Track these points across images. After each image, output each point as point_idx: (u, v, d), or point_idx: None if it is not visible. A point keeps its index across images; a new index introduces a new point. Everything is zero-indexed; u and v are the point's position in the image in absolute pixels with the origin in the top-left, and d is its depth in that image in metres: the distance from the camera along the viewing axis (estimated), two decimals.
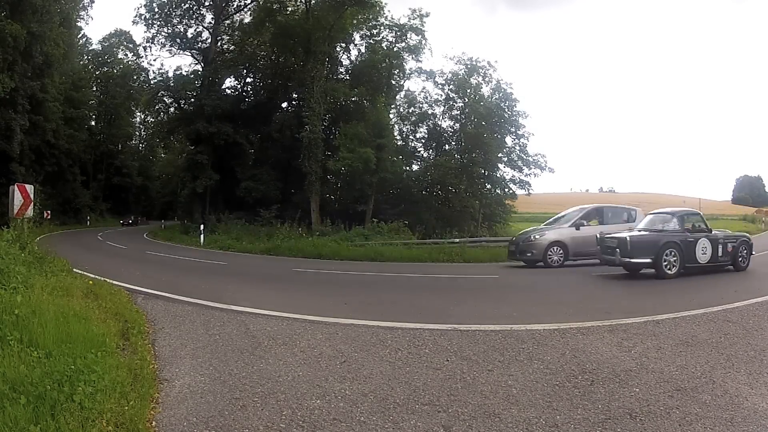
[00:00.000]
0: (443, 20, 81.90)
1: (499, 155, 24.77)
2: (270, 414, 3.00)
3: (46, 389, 2.81)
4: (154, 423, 2.85)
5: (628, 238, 9.20)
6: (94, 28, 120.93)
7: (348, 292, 8.48)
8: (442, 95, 27.32)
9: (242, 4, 33.69)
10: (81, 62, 44.39)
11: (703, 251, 9.38)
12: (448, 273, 11.99)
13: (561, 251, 12.18)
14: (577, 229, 12.41)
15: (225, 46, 35.57)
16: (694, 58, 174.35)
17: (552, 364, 3.98)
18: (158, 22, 33.29)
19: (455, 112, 26.83)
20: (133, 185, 51.14)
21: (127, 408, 2.82)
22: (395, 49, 29.55)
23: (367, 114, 25.57)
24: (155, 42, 33.98)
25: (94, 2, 37.65)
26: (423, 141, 28.78)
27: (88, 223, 39.99)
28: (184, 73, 33.50)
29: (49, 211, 28.70)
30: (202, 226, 23.72)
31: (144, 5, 32.84)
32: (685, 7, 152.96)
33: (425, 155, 28.54)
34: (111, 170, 48.27)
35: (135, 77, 42.21)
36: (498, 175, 25.44)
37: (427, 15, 29.38)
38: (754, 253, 10.41)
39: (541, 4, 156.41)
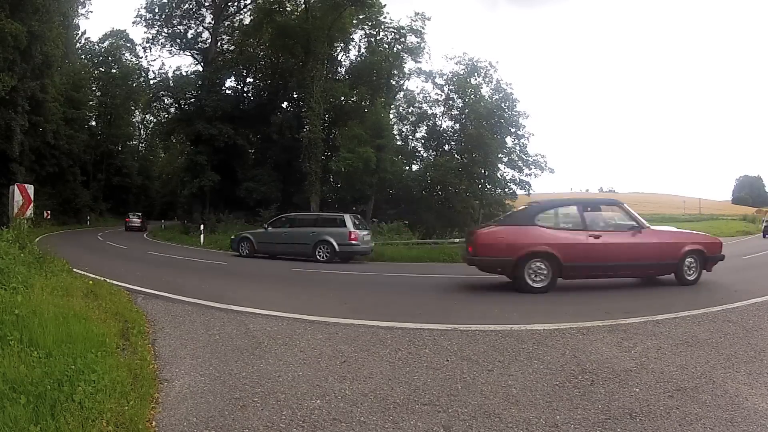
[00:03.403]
0: (443, 16, 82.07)
1: (499, 155, 24.77)
2: (270, 414, 3.00)
3: (46, 389, 2.81)
4: (154, 423, 2.85)
5: None
6: (94, 28, 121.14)
7: (348, 292, 8.48)
8: (441, 95, 27.37)
9: (242, 4, 33.73)
10: (81, 62, 44.36)
11: None
12: (448, 273, 11.99)
13: None
14: None
15: (225, 47, 35.61)
16: (694, 58, 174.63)
17: (552, 364, 3.98)
18: (158, 23, 33.33)
19: (455, 112, 26.84)
20: (133, 185, 51.10)
21: (127, 408, 2.82)
22: (395, 49, 29.60)
23: (367, 114, 25.58)
24: (155, 42, 34.08)
25: None
26: (423, 141, 28.85)
27: (88, 223, 39.98)
28: (184, 74, 33.54)
29: (49, 211, 28.74)
30: (202, 226, 23.71)
31: (144, 6, 32.92)
32: (687, 7, 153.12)
33: (425, 155, 28.59)
34: (111, 170, 48.22)
35: (135, 77, 42.23)
36: (498, 176, 25.44)
37: (429, 19, 29.52)
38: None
39: (542, 1, 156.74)
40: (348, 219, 14.89)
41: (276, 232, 15.61)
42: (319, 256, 14.37)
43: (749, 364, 3.94)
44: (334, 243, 14.27)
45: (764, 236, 24.14)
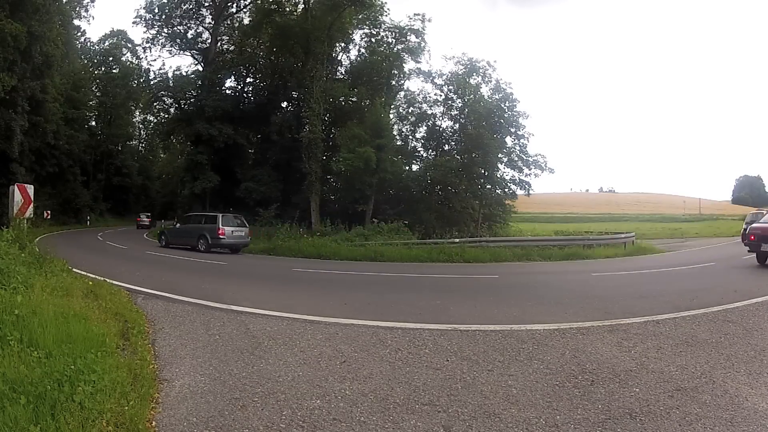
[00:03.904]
0: (444, 16, 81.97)
1: (499, 155, 24.70)
2: (270, 414, 3.00)
3: (46, 389, 2.81)
4: (154, 423, 2.85)
5: None
6: (95, 28, 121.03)
7: (348, 292, 8.47)
8: (441, 95, 27.31)
9: (242, 4, 33.73)
10: (81, 62, 44.37)
11: None
12: (448, 273, 11.99)
13: None
14: None
15: (225, 47, 35.63)
16: (695, 58, 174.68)
17: (552, 364, 3.98)
18: (158, 23, 33.34)
19: (454, 112, 26.80)
20: (133, 185, 51.10)
21: (127, 408, 2.82)
22: (395, 49, 29.57)
23: (367, 114, 25.55)
24: (155, 42, 34.09)
25: (94, 2, 37.66)
26: (422, 141, 28.79)
27: (88, 223, 40.04)
28: (184, 74, 33.55)
29: (49, 211, 28.77)
30: None
31: (144, 6, 32.93)
32: (687, 7, 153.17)
33: (425, 155, 28.53)
34: (111, 170, 48.20)
35: (135, 77, 42.28)
36: (498, 176, 25.38)
37: (429, 20, 29.49)
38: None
39: (542, 1, 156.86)
40: (219, 217, 17.83)
41: (179, 228, 19.30)
42: (200, 247, 17.33)
43: (749, 364, 3.94)
44: (208, 237, 17.22)
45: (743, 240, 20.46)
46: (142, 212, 43.79)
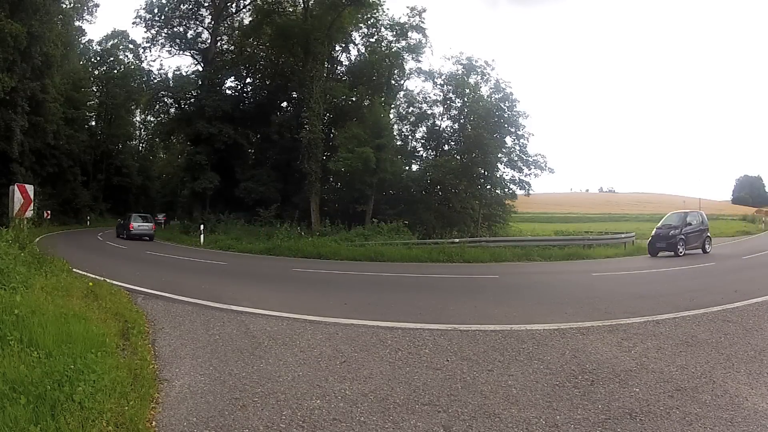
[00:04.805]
0: (444, 15, 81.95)
1: (499, 155, 24.67)
2: (270, 414, 3.00)
3: (46, 389, 2.81)
4: (154, 423, 2.86)
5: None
6: (95, 28, 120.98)
7: (348, 292, 8.48)
8: (440, 95, 27.28)
9: (241, 4, 33.67)
10: (81, 62, 44.34)
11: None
12: (448, 273, 11.99)
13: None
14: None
15: (225, 47, 35.53)
16: (695, 58, 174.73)
17: (552, 364, 3.99)
18: (158, 24, 33.25)
19: (454, 112, 26.79)
20: (133, 185, 50.99)
21: (127, 408, 2.82)
22: (395, 48, 29.52)
23: (367, 114, 25.54)
24: (155, 43, 33.94)
25: (98, 6, 37.66)
26: (422, 141, 28.77)
27: (88, 223, 39.98)
28: (184, 74, 33.46)
29: (49, 211, 28.79)
30: (202, 226, 23.72)
31: (144, 7, 32.84)
32: (687, 7, 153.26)
33: (425, 155, 28.51)
34: (111, 170, 48.14)
35: (135, 77, 42.23)
36: (498, 176, 25.34)
37: (424, 10, 29.33)
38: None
39: (542, 0, 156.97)
40: (132, 216, 25.99)
41: (121, 223, 26.99)
42: (123, 235, 24.70)
43: (749, 364, 3.94)
44: (125, 229, 24.83)
45: (652, 255, 16.55)
46: (158, 212, 45.73)
